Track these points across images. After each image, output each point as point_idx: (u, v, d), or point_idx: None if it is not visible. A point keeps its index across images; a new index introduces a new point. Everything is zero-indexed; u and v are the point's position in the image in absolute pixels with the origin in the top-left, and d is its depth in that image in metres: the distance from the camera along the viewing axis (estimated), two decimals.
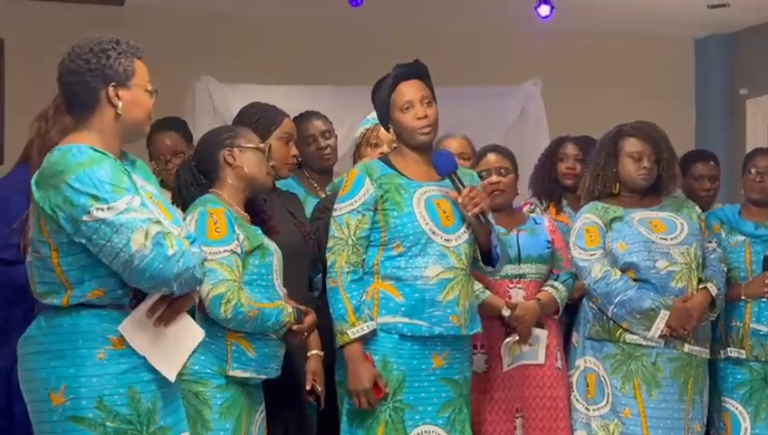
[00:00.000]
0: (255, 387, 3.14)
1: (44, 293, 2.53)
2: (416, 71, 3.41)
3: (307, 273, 3.55)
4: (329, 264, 3.34)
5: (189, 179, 3.19)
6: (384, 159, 3.47)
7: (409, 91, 3.37)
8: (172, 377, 2.56)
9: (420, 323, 3.28)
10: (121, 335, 2.49)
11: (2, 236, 3.12)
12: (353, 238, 3.31)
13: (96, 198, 2.41)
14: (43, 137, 3.11)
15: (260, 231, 3.16)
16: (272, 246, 3.17)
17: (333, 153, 4.20)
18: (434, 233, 3.31)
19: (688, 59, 7.68)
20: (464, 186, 3.34)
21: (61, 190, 2.43)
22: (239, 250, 3.04)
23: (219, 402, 3.01)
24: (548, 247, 3.96)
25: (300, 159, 4.15)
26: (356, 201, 3.33)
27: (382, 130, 3.75)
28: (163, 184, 3.64)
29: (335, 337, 3.30)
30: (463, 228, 3.36)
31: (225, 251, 3.00)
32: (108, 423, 2.44)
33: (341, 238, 3.32)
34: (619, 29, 7.21)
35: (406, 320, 3.28)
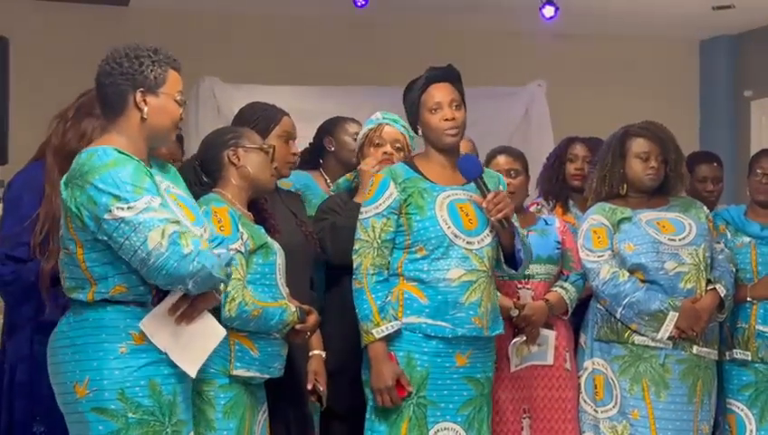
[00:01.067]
0: (258, 386, 3.14)
1: (71, 288, 2.65)
2: (447, 74, 3.47)
3: (309, 272, 3.55)
4: (354, 265, 3.39)
5: (193, 179, 3.18)
6: (409, 162, 3.51)
7: (439, 93, 3.42)
8: (193, 373, 2.66)
9: (444, 324, 3.34)
10: (143, 331, 2.58)
11: (13, 234, 3.13)
12: (378, 241, 3.37)
13: (117, 197, 2.52)
14: (61, 138, 3.14)
15: (263, 230, 3.17)
16: (275, 245, 3.17)
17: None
18: (456, 236, 3.36)
19: (693, 60, 7.69)
20: (489, 190, 3.38)
21: (85, 190, 2.55)
22: (243, 249, 3.04)
23: (223, 402, 3.01)
24: (557, 248, 3.96)
25: (320, 160, 4.21)
26: (381, 204, 3.39)
27: (385, 129, 3.77)
28: None
29: (360, 337, 3.36)
30: (486, 231, 3.40)
31: (229, 250, 2.97)
32: (130, 414, 2.55)
33: (367, 241, 3.38)
34: (623, 31, 7.21)
35: (430, 321, 3.34)
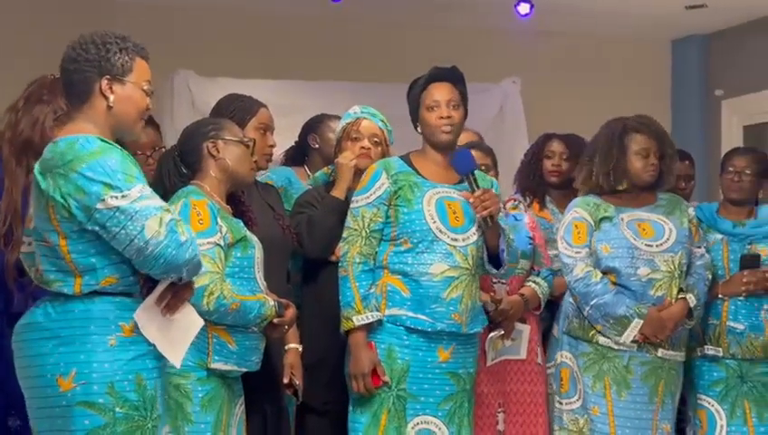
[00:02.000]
0: (235, 380, 3.13)
1: (52, 280, 2.56)
2: (450, 74, 3.51)
3: (285, 266, 3.54)
4: (341, 253, 3.43)
5: (172, 169, 3.18)
6: (405, 157, 3.54)
7: (438, 92, 3.47)
8: (178, 363, 2.62)
9: (424, 317, 3.36)
10: (132, 322, 2.54)
11: None
12: (366, 230, 3.42)
13: (110, 186, 2.46)
14: (14, 128, 3.12)
15: (242, 223, 3.16)
16: (254, 238, 3.16)
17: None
18: (441, 232, 3.39)
19: (665, 59, 7.73)
20: (478, 187, 3.40)
21: (72, 179, 2.47)
22: (222, 242, 3.03)
23: (200, 395, 3.00)
24: (530, 243, 3.98)
25: (306, 157, 4.23)
26: (371, 195, 3.43)
27: (363, 123, 3.78)
28: None
29: (341, 323, 3.37)
30: (472, 230, 3.43)
31: (208, 243, 2.98)
32: (117, 409, 2.49)
33: (356, 229, 3.42)
34: (597, 29, 7.24)
35: (411, 314, 3.37)
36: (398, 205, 3.42)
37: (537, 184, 4.51)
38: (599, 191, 3.94)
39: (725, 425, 4.00)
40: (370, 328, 3.37)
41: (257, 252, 3.15)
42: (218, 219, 3.05)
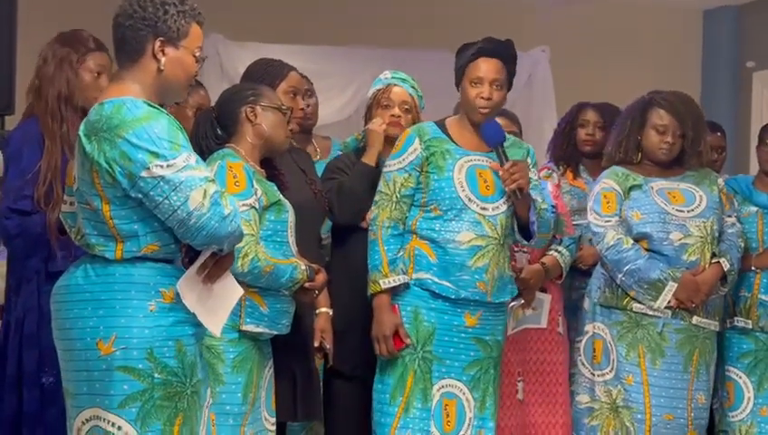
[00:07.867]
0: (265, 342, 3.15)
1: (94, 244, 2.51)
2: (501, 50, 3.43)
3: (317, 230, 3.55)
4: (371, 217, 3.45)
5: (209, 131, 3.18)
6: (440, 123, 3.52)
7: (485, 68, 3.40)
8: (218, 332, 2.60)
9: (448, 284, 3.38)
10: (172, 288, 2.50)
11: (17, 187, 3.15)
12: (397, 195, 3.41)
13: (155, 154, 2.40)
14: (46, 87, 3.18)
15: (276, 187, 3.16)
16: (287, 202, 3.16)
17: (314, 113, 4.20)
18: (470, 200, 3.38)
19: (696, 30, 7.66)
20: (507, 159, 3.38)
21: (117, 145, 2.41)
22: (257, 205, 3.04)
23: (232, 356, 3.03)
24: (552, 212, 3.96)
25: None
26: (404, 160, 3.43)
27: (394, 90, 3.76)
28: None
29: (368, 286, 3.40)
30: (502, 200, 3.42)
31: (243, 205, 2.97)
32: (156, 374, 2.46)
33: (387, 194, 3.43)
34: None
35: (436, 279, 3.38)
36: (429, 171, 3.41)
37: (571, 153, 4.48)
38: (618, 162, 3.92)
39: (753, 397, 4.00)
40: (396, 291, 3.39)
41: (290, 216, 3.16)
42: (254, 182, 3.05)
